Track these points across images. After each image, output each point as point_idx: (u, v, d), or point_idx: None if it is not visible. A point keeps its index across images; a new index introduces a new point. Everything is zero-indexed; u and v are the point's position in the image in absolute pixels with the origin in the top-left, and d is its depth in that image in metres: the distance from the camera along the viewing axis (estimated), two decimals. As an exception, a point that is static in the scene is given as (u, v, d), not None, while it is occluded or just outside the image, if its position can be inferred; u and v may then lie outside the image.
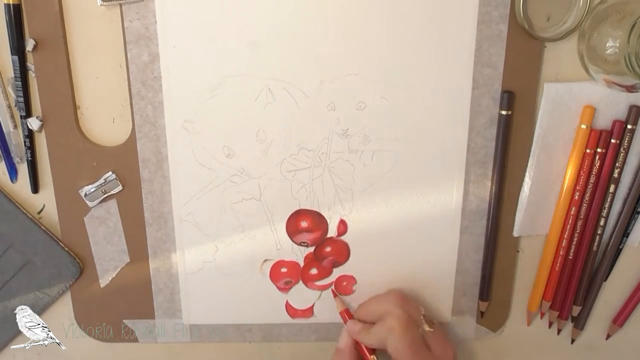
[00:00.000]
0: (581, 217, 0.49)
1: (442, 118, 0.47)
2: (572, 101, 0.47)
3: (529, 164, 0.48)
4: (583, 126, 0.46)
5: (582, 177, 0.48)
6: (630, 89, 0.43)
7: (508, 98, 0.46)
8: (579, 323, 0.53)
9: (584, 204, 0.49)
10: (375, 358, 0.49)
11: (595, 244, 0.50)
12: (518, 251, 0.52)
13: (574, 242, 0.50)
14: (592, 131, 0.47)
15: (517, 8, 0.44)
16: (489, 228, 0.50)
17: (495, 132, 0.48)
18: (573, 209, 0.49)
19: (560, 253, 0.50)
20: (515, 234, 0.50)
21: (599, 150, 0.47)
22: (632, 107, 0.46)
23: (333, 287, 0.52)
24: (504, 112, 0.46)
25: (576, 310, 0.53)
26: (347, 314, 0.51)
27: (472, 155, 0.48)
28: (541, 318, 0.54)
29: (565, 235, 0.50)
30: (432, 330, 0.47)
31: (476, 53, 0.45)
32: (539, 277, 0.52)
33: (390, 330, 0.46)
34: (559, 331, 0.54)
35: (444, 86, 0.46)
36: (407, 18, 0.44)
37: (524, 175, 0.49)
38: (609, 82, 0.43)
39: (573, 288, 0.52)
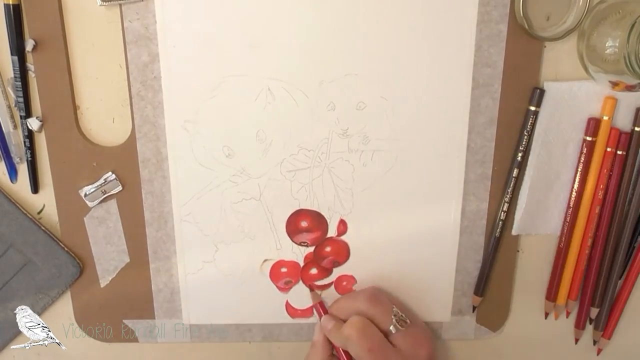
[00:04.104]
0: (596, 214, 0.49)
1: (442, 118, 0.47)
2: (572, 100, 0.47)
3: (529, 162, 0.48)
4: (605, 117, 0.46)
5: (603, 177, 0.48)
6: (630, 88, 0.43)
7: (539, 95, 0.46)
8: (599, 324, 0.53)
9: (606, 204, 0.49)
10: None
11: (611, 243, 0.50)
12: (518, 251, 0.52)
13: (591, 241, 0.50)
14: (611, 129, 0.47)
15: (516, 8, 0.44)
16: (497, 223, 0.50)
17: (495, 132, 0.48)
18: (597, 207, 0.49)
19: (586, 252, 0.50)
20: (514, 232, 0.50)
21: (608, 149, 0.47)
22: (638, 110, 0.47)
23: (309, 285, 0.52)
24: (532, 108, 0.47)
25: (594, 312, 0.53)
26: (322, 307, 0.51)
27: (472, 155, 0.48)
28: (567, 317, 0.54)
29: (591, 234, 0.50)
30: (403, 329, 0.47)
31: (476, 53, 0.45)
32: (566, 272, 0.51)
33: (348, 338, 0.46)
34: (583, 325, 0.54)
35: (444, 86, 0.46)
36: (406, 18, 0.44)
37: (523, 175, 0.49)
38: (612, 84, 0.43)
39: (591, 287, 0.52)
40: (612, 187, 0.48)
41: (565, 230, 0.50)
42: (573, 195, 0.49)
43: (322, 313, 0.51)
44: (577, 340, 0.54)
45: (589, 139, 0.47)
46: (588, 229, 0.50)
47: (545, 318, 0.54)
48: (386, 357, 0.46)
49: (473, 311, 0.53)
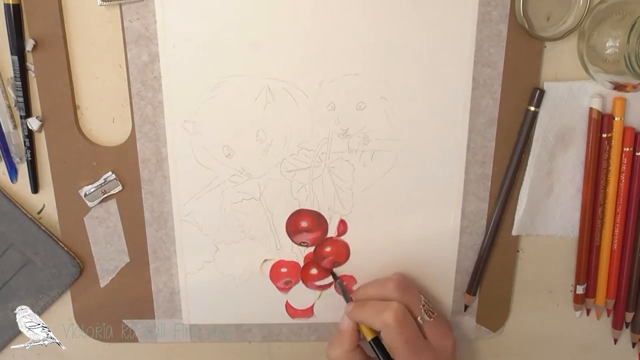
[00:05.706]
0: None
1: (442, 118, 0.47)
2: (572, 100, 0.47)
3: (529, 162, 0.48)
4: (617, 118, 0.46)
5: (623, 175, 0.48)
6: (631, 88, 0.43)
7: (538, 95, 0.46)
8: (636, 326, 0.52)
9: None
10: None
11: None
12: (518, 251, 0.52)
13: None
14: (625, 129, 0.47)
15: (517, 8, 0.44)
16: (492, 224, 0.50)
17: (495, 132, 0.48)
18: (619, 207, 0.49)
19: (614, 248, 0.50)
20: (514, 232, 0.50)
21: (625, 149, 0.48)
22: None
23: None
24: (532, 109, 0.47)
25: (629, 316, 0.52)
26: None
27: (472, 155, 0.48)
28: (608, 315, 0.53)
29: (616, 232, 0.49)
30: (430, 320, 0.46)
31: (476, 53, 0.45)
32: (601, 272, 0.51)
33: (385, 325, 0.45)
34: (621, 324, 0.53)
35: (444, 86, 0.46)
36: (407, 18, 0.44)
37: (524, 175, 0.49)
38: (614, 84, 0.43)
39: (625, 287, 0.51)
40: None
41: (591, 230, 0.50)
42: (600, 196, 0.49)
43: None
44: (615, 341, 0.54)
45: (617, 119, 0.47)
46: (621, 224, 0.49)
47: (598, 319, 0.54)
48: (419, 350, 0.45)
49: (465, 310, 0.53)
